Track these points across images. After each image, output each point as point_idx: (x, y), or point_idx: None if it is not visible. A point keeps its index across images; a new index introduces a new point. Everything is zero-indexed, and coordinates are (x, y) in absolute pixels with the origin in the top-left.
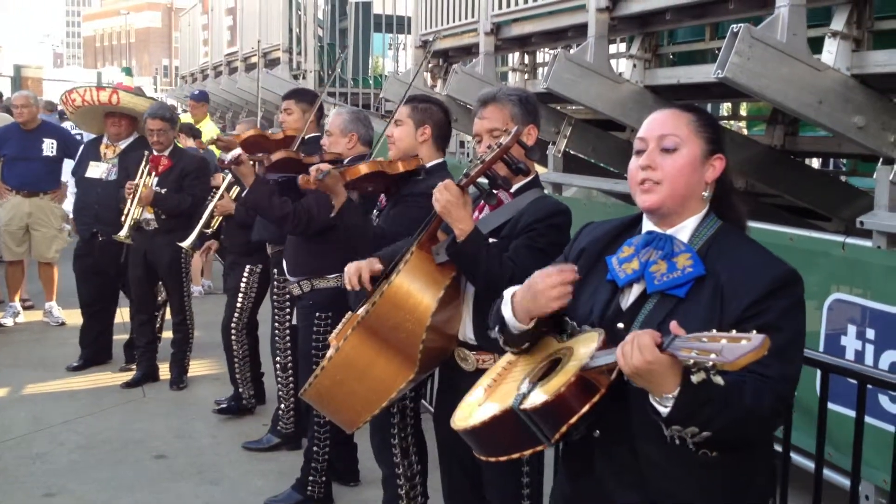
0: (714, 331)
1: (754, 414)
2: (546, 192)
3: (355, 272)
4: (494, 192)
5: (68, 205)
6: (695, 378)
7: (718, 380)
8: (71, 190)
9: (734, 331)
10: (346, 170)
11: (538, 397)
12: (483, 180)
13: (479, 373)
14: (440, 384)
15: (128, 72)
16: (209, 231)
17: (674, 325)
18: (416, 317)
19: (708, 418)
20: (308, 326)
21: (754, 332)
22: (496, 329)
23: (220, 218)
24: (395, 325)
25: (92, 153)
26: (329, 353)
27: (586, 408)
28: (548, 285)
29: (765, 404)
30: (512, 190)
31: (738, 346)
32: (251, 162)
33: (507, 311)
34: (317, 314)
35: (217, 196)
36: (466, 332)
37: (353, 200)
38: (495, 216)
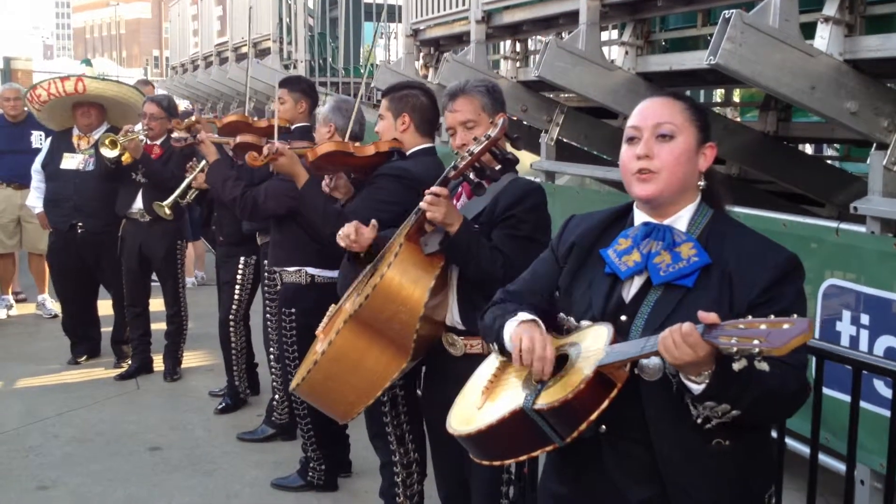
0: (749, 317)
1: (779, 392)
2: (538, 179)
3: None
4: (483, 182)
5: (33, 199)
6: (737, 366)
7: (763, 366)
8: (34, 185)
9: (772, 315)
10: (308, 149)
11: (552, 396)
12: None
13: (468, 357)
14: (427, 370)
15: (87, 63)
16: (184, 202)
17: (702, 314)
18: (408, 308)
19: (739, 394)
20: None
21: (795, 315)
22: (497, 350)
23: (196, 192)
24: (390, 317)
25: (64, 145)
26: (319, 347)
27: (605, 404)
28: (537, 357)
29: (788, 385)
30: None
31: (783, 331)
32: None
33: (507, 339)
34: (283, 310)
35: (198, 168)
36: (454, 317)
37: (317, 182)
38: (474, 203)
